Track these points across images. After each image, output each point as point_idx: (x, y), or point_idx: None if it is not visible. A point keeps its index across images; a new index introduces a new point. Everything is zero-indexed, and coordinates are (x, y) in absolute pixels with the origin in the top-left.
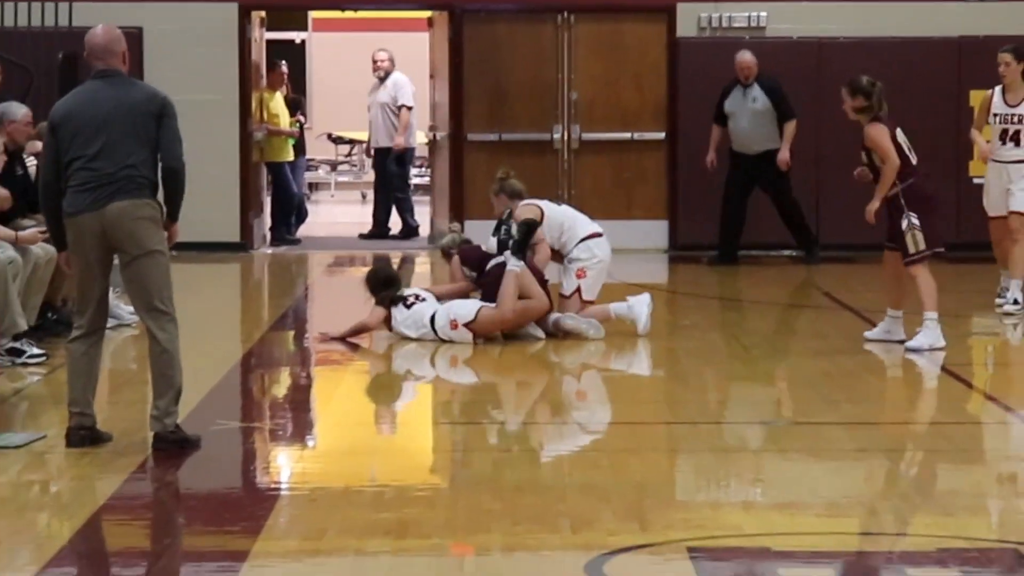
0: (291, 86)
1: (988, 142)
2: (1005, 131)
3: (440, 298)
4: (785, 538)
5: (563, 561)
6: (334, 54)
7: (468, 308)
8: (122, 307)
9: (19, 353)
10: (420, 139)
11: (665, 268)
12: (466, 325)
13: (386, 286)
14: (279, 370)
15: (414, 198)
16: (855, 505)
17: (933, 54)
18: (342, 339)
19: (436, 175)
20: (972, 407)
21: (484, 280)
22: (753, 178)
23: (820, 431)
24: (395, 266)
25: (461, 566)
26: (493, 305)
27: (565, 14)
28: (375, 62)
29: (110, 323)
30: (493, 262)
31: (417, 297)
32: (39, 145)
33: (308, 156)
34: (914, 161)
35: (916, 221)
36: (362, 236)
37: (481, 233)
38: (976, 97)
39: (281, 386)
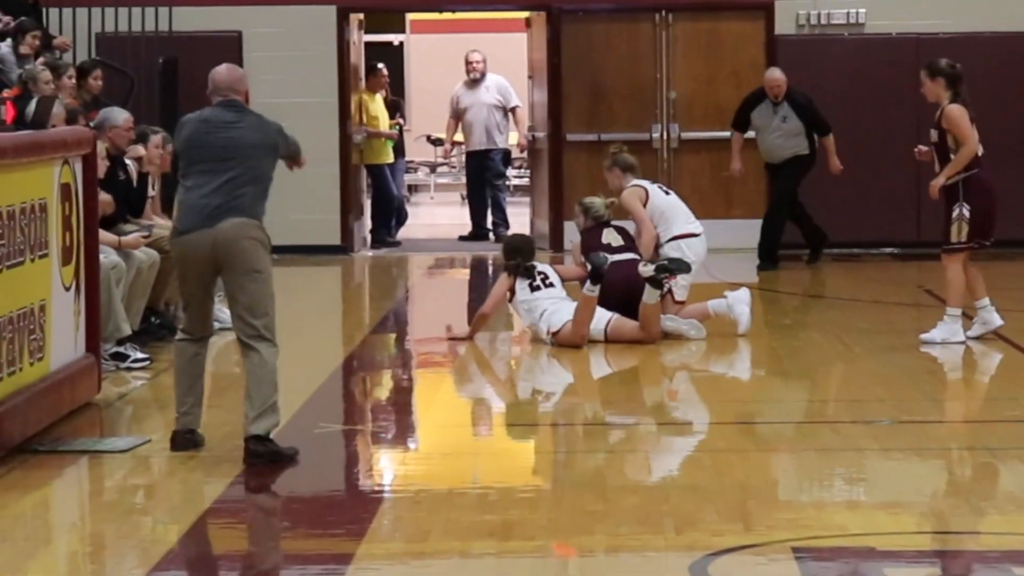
0: (390, 88)
1: None
2: None
3: (563, 280)
4: (890, 538)
5: (667, 562)
6: (432, 56)
7: (560, 317)
8: (224, 311)
9: (123, 358)
10: (512, 140)
11: None
12: (552, 334)
13: (514, 253)
14: (381, 372)
15: (513, 199)
16: (960, 504)
17: None
18: (470, 337)
19: (535, 176)
20: None
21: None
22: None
23: (924, 429)
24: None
25: (565, 568)
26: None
27: (663, 12)
28: (470, 63)
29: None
30: (611, 260)
31: (545, 280)
32: (140, 150)
33: (407, 158)
34: (980, 153)
35: (967, 213)
36: (462, 238)
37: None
38: None
39: (383, 388)
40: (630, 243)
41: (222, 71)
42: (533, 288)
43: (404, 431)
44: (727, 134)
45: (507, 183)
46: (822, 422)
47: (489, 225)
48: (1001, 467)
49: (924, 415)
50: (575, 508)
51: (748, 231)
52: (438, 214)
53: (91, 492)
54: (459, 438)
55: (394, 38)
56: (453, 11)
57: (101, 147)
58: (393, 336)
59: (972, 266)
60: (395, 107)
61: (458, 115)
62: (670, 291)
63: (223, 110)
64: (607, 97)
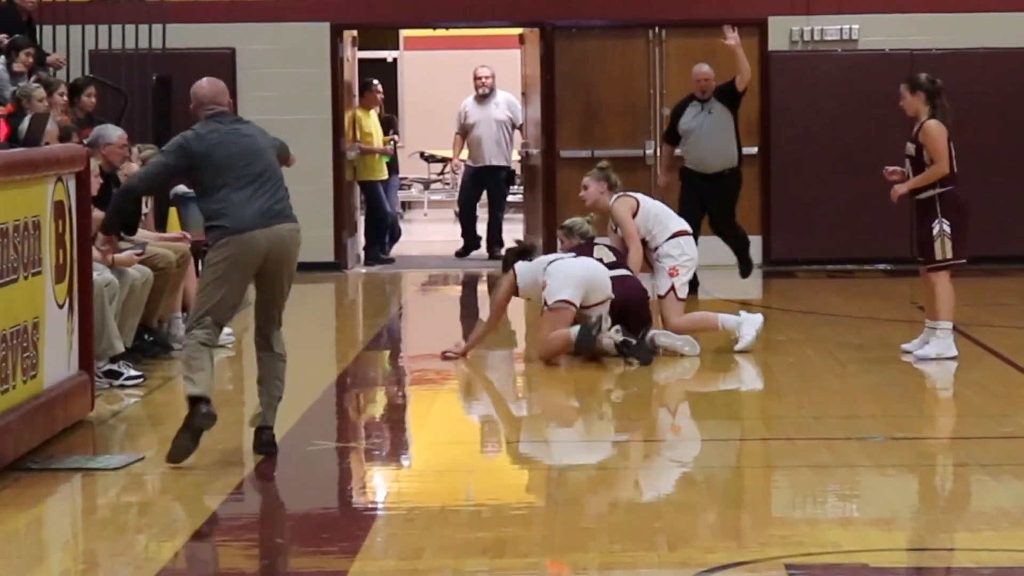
0: (384, 105)
1: None
2: None
3: None
4: (884, 554)
5: None
6: (426, 72)
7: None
8: None
9: (116, 375)
10: (515, 157)
11: (759, 283)
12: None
13: (520, 256)
14: (374, 390)
15: (507, 215)
16: (954, 520)
17: None
18: (464, 354)
19: (529, 192)
20: None
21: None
22: (705, 199)
23: (918, 446)
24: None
25: None
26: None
27: (656, 29)
28: (479, 79)
29: None
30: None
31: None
32: (135, 167)
33: (401, 175)
34: (955, 170)
35: (948, 228)
36: (458, 255)
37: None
38: None
39: (376, 406)
40: (621, 259)
41: (204, 85)
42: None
43: (397, 448)
44: None
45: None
46: (815, 438)
47: (481, 236)
48: (995, 483)
49: (917, 431)
50: (568, 525)
51: None
52: (432, 231)
53: (84, 510)
54: (453, 455)
55: (388, 55)
56: (447, 28)
57: (95, 164)
58: (387, 353)
59: (932, 285)
60: (389, 124)
61: (466, 131)
62: (673, 288)
63: (221, 121)
64: (601, 113)
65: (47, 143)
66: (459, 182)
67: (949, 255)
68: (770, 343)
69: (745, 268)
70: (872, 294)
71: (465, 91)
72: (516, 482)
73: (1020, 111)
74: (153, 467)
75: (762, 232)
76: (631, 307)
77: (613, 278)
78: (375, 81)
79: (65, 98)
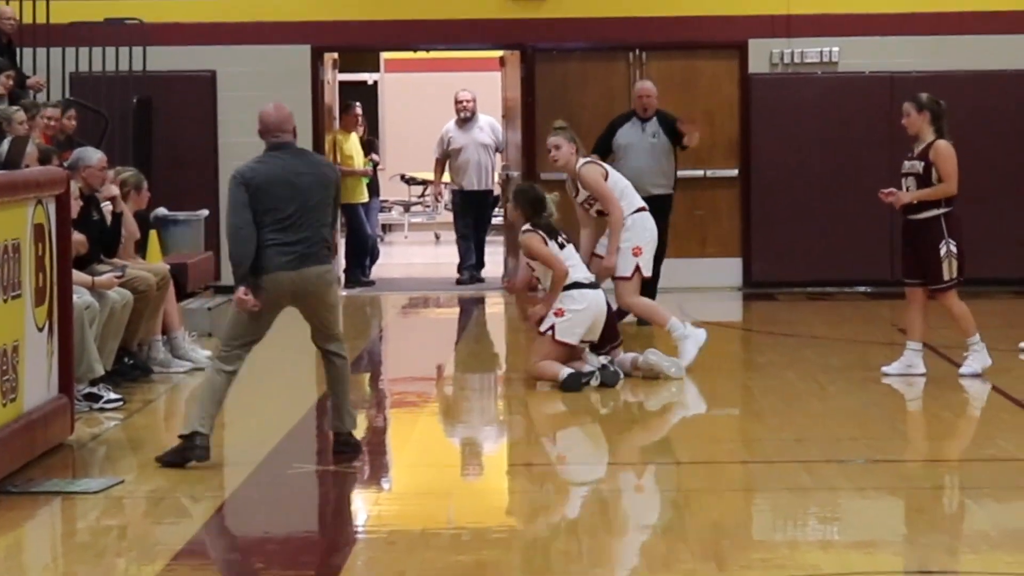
0: (366, 127)
1: None
2: None
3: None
4: None
5: None
6: (406, 95)
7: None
8: (198, 351)
9: (96, 398)
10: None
11: (739, 306)
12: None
13: (537, 205)
14: (355, 412)
15: (489, 238)
16: (934, 543)
17: (1007, 88)
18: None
19: (509, 214)
20: None
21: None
22: None
23: (898, 468)
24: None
25: None
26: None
27: (637, 52)
28: (460, 102)
29: (185, 367)
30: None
31: (567, 239)
32: (114, 189)
33: (381, 197)
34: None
35: (955, 249)
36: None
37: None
38: None
39: (357, 428)
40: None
41: (271, 112)
42: (561, 246)
43: (378, 471)
44: (701, 173)
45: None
46: (796, 461)
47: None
48: (975, 506)
49: (898, 454)
50: (549, 549)
51: (722, 269)
52: (412, 253)
53: (64, 533)
54: (433, 478)
55: (368, 77)
56: (427, 50)
57: (74, 187)
58: (367, 375)
59: (924, 308)
60: (370, 146)
61: (449, 155)
62: (638, 268)
63: (281, 154)
64: (582, 136)
65: (27, 165)
66: (444, 207)
67: (955, 274)
68: (751, 365)
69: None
70: (852, 316)
71: (446, 113)
72: (497, 505)
73: (1000, 133)
74: (133, 490)
75: (742, 254)
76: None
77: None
78: (355, 103)
79: (46, 120)
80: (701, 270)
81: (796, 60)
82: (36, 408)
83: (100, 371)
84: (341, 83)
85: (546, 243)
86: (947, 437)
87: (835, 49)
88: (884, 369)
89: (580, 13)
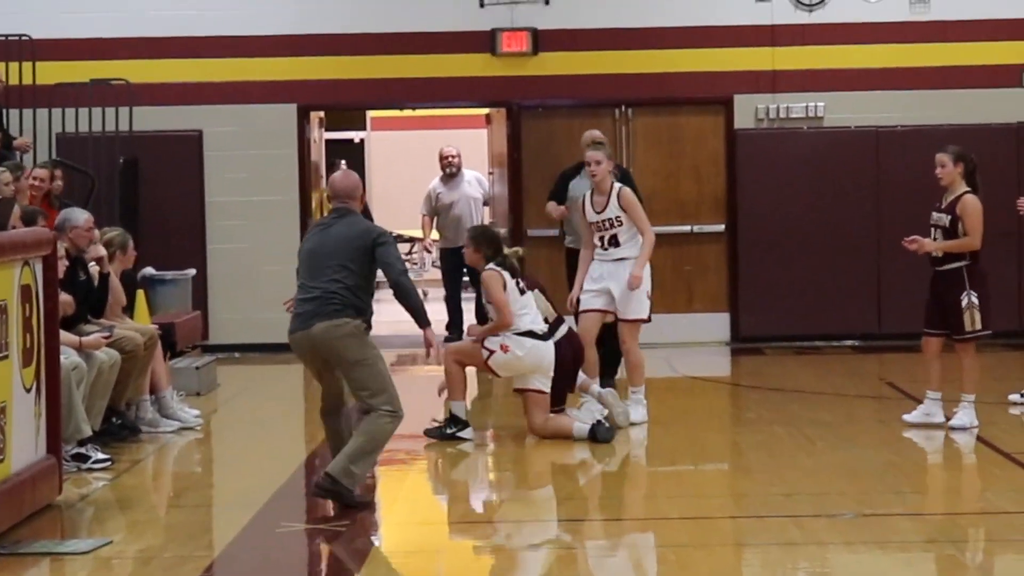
0: None
1: None
2: None
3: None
4: None
5: None
6: (393, 152)
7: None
8: (186, 410)
9: (84, 459)
10: None
11: (728, 360)
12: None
13: (493, 243)
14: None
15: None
16: None
17: (992, 141)
18: (482, 338)
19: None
20: None
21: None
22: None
23: (887, 522)
24: None
25: None
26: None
27: (623, 108)
28: (444, 158)
29: (173, 426)
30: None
31: (529, 287)
32: (101, 250)
33: None
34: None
35: (976, 300)
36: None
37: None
38: None
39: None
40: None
41: (337, 180)
42: (521, 290)
43: (367, 529)
44: (688, 228)
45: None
46: (785, 516)
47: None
48: (965, 560)
49: (888, 508)
50: None
51: (710, 324)
52: (400, 311)
53: None
54: (423, 536)
55: (355, 135)
56: (413, 108)
57: (61, 248)
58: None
59: (943, 358)
60: None
61: (437, 212)
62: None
63: (330, 217)
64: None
65: (13, 227)
66: (432, 264)
67: (978, 326)
68: (739, 420)
69: (610, 374)
70: (840, 370)
71: (432, 171)
72: (484, 563)
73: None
74: (122, 551)
75: (729, 309)
76: (579, 365)
77: (561, 339)
78: (341, 161)
79: (31, 181)
80: (689, 325)
81: (782, 115)
82: (24, 469)
83: (88, 431)
84: (328, 141)
85: (505, 285)
86: (936, 491)
87: (820, 104)
88: (904, 418)
89: (566, 70)
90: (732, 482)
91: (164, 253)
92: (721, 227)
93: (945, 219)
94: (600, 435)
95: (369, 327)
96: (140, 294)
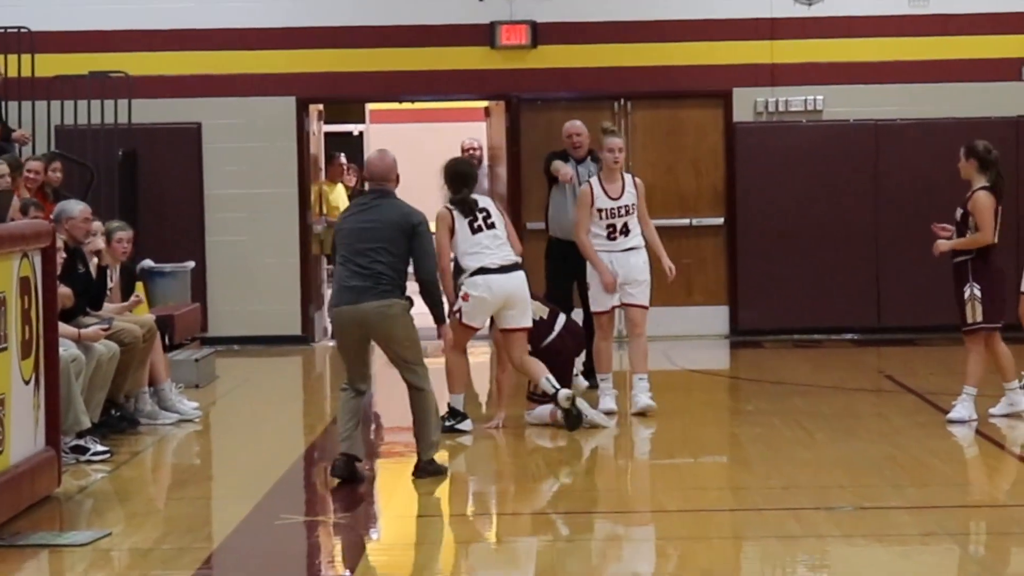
0: (359, 177)
1: None
2: None
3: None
4: None
5: None
6: (392, 145)
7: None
8: (185, 402)
9: (83, 451)
10: None
11: (727, 353)
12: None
13: (460, 181)
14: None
15: None
16: None
17: (991, 135)
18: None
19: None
20: None
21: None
22: (579, 272)
23: (886, 516)
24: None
25: None
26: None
27: (622, 101)
28: (467, 151)
29: (172, 419)
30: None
31: (487, 220)
32: (100, 243)
33: None
34: (995, 240)
35: (978, 292)
36: None
37: None
38: None
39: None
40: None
41: (373, 161)
42: (474, 229)
43: (367, 521)
44: (687, 221)
45: None
46: (784, 509)
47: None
48: (963, 552)
49: (886, 501)
50: None
51: (708, 318)
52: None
53: None
54: (422, 528)
55: (354, 128)
56: (412, 101)
57: (60, 240)
58: None
59: (1002, 345)
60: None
61: None
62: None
63: (367, 199)
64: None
65: (12, 219)
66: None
67: (979, 319)
68: (738, 413)
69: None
70: (839, 363)
71: (432, 164)
72: (484, 555)
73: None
74: (120, 543)
75: (728, 302)
76: (580, 348)
77: (561, 329)
78: (340, 154)
79: (30, 175)
80: (688, 318)
81: (781, 108)
82: (23, 461)
83: (87, 423)
84: (327, 134)
85: (453, 224)
86: (935, 483)
87: (819, 97)
88: (991, 411)
89: (565, 63)
90: (731, 475)
91: (163, 245)
92: (720, 220)
93: (959, 213)
94: (569, 421)
95: (412, 304)
96: (139, 286)
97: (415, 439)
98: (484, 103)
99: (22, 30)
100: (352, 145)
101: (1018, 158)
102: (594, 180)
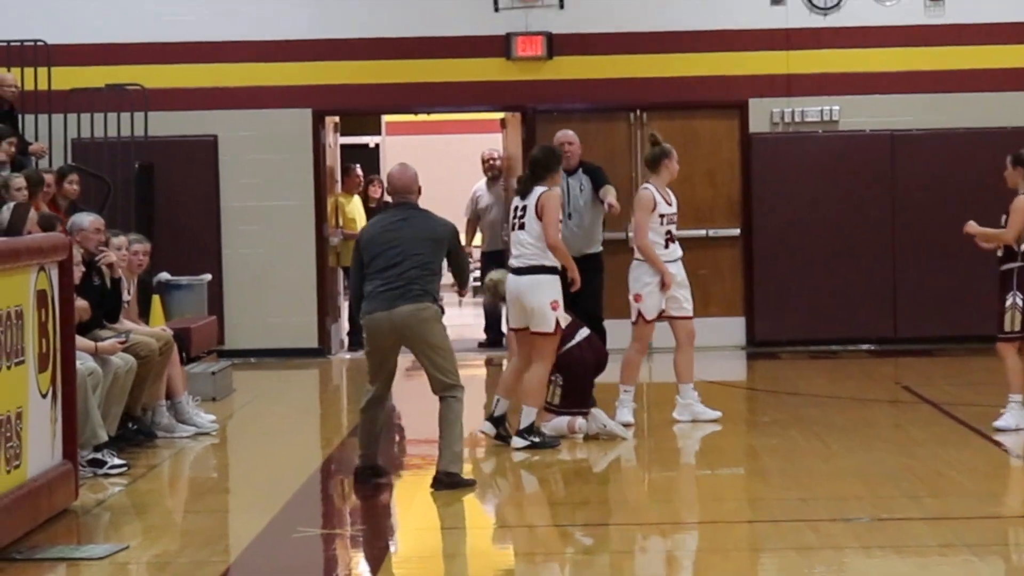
0: (382, 190)
1: None
2: None
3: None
4: None
5: None
6: (408, 157)
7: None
8: (202, 415)
9: (100, 464)
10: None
11: (743, 365)
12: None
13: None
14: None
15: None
16: None
17: (1006, 145)
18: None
19: None
20: None
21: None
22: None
23: (903, 527)
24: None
25: None
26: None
27: (638, 112)
28: (487, 160)
29: (189, 432)
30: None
31: (520, 218)
32: (111, 256)
33: None
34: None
35: (1020, 302)
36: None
37: None
38: None
39: (361, 492)
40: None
41: (395, 174)
42: (512, 227)
43: (383, 534)
44: (703, 232)
45: None
46: (801, 520)
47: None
48: (981, 564)
49: (903, 512)
50: None
51: (725, 329)
52: None
53: None
54: (438, 541)
55: (370, 140)
56: (428, 113)
57: (77, 253)
58: None
59: (1002, 358)
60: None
61: (479, 215)
62: (640, 315)
63: (393, 211)
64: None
65: (29, 232)
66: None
67: (1018, 328)
68: (755, 424)
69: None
70: (856, 375)
71: (448, 175)
72: (500, 568)
73: (999, 190)
74: (137, 556)
75: (745, 313)
76: (601, 365)
77: (581, 342)
78: (355, 165)
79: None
80: (704, 329)
81: (797, 119)
82: (40, 475)
83: (104, 437)
84: (343, 146)
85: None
86: (952, 495)
87: (835, 108)
88: (995, 424)
89: (580, 74)
90: (748, 486)
91: (180, 258)
92: (736, 231)
93: (1004, 218)
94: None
95: (443, 311)
96: (156, 299)
97: (437, 450)
98: (500, 114)
99: (39, 43)
100: (368, 157)
101: None
102: (651, 187)
